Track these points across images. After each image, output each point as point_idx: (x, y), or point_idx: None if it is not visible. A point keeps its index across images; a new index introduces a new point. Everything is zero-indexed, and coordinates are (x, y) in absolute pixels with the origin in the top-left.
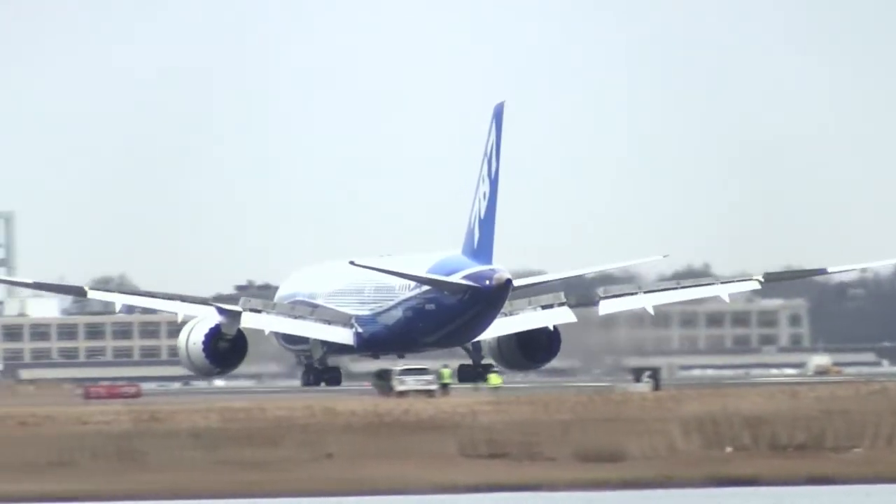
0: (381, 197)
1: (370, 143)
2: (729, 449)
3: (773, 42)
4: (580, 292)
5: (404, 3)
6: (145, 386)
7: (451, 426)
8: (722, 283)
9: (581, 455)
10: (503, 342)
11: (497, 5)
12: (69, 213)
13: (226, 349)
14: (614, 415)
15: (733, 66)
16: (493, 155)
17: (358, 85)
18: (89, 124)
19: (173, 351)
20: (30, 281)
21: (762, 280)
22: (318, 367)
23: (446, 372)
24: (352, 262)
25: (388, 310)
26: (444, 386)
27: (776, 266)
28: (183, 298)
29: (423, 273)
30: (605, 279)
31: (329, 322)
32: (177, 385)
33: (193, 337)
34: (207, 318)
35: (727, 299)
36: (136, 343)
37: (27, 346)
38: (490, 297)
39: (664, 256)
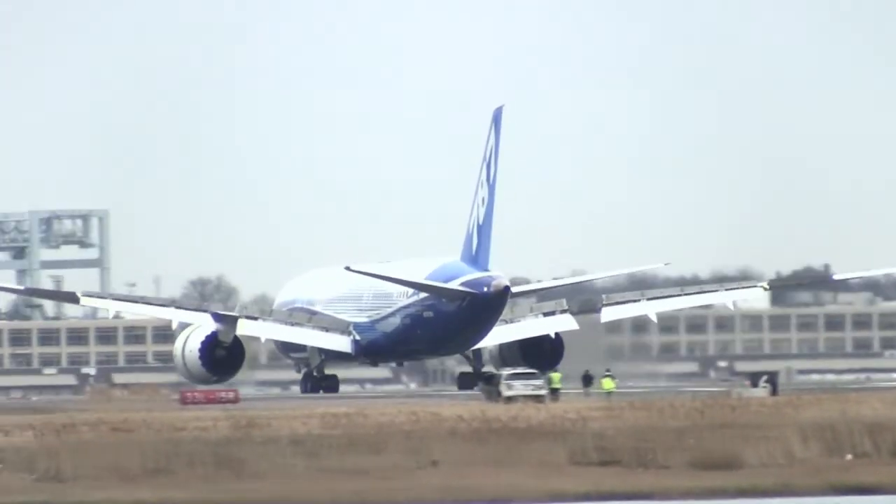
0: (380, 201)
1: (367, 144)
2: (849, 456)
3: (776, 42)
4: (583, 299)
5: (402, 6)
6: (244, 391)
7: (560, 433)
8: (727, 289)
9: (696, 462)
10: (505, 349)
11: (494, 9)
12: (164, 212)
13: (223, 357)
14: (730, 421)
15: (737, 67)
16: (492, 160)
17: (356, 87)
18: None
19: (272, 354)
20: (21, 287)
21: (767, 287)
22: (316, 374)
23: (556, 376)
24: (347, 268)
25: (387, 317)
26: (554, 391)
27: (785, 271)
28: (178, 305)
29: (421, 280)
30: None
31: (327, 329)
32: (276, 390)
33: (190, 344)
34: (204, 326)
35: (732, 306)
36: None
37: (121, 349)
38: (489, 304)
39: (665, 264)
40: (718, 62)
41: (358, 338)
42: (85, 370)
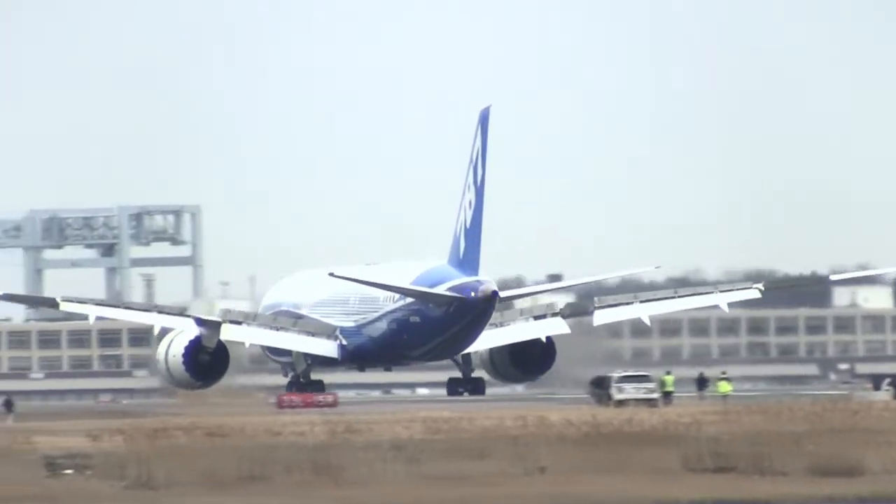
0: (368, 202)
1: (355, 147)
2: None
3: (778, 41)
4: (574, 302)
5: (389, 9)
6: (343, 394)
7: (673, 437)
8: (721, 291)
9: (815, 469)
10: (496, 354)
11: (481, 8)
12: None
13: (207, 362)
14: (851, 425)
15: (736, 66)
16: (479, 162)
17: (346, 86)
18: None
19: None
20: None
21: (762, 289)
22: (302, 380)
23: (669, 379)
24: (331, 274)
25: (373, 321)
26: (667, 394)
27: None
28: (160, 310)
29: (407, 284)
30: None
31: (312, 334)
32: (376, 393)
33: (173, 349)
34: (187, 331)
35: (726, 308)
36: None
37: None
38: (476, 309)
39: (656, 267)
40: (717, 61)
41: (345, 342)
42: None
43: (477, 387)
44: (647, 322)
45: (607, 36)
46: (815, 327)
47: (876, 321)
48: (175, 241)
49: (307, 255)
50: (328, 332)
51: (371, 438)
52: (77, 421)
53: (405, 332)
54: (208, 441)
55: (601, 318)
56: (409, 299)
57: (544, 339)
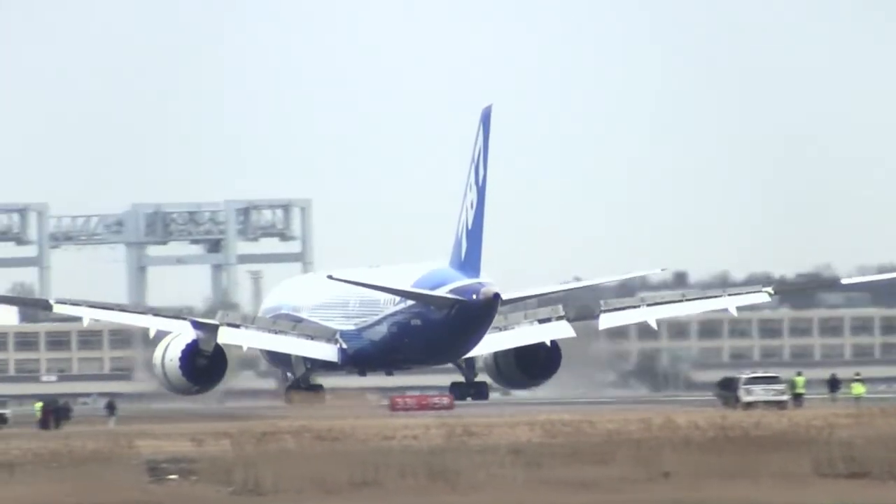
0: (370, 203)
1: (356, 147)
2: None
3: (783, 41)
4: (579, 305)
5: (389, 5)
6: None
7: (804, 441)
8: (730, 295)
9: None
10: (500, 358)
11: (482, 7)
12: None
13: (204, 366)
14: None
15: (741, 66)
16: (481, 162)
17: (347, 85)
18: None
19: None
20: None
21: (772, 292)
22: (302, 385)
23: (800, 380)
24: (330, 276)
25: (374, 325)
26: (797, 396)
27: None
28: (156, 312)
29: (408, 286)
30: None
31: (312, 337)
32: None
33: (170, 353)
34: (184, 334)
35: (735, 312)
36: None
37: None
38: (478, 312)
39: (662, 270)
40: (721, 60)
41: (345, 346)
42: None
43: (480, 391)
44: (654, 326)
45: (608, 35)
46: None
47: None
48: (284, 236)
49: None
50: (328, 335)
51: (488, 442)
52: (181, 424)
53: (406, 335)
54: (318, 445)
55: (607, 321)
56: (410, 302)
57: (549, 343)
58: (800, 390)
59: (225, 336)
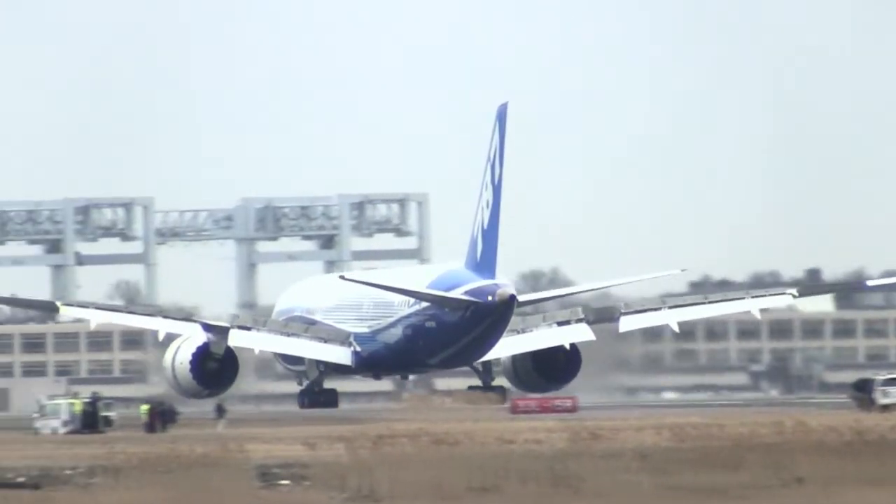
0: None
1: (368, 145)
2: None
3: (798, 38)
4: (599, 307)
5: (401, 2)
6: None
7: None
8: (753, 297)
9: None
10: (518, 361)
11: (497, 2)
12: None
13: (215, 369)
14: None
15: (757, 61)
16: (497, 160)
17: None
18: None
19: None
20: None
21: (796, 294)
22: (315, 389)
23: None
24: (342, 277)
25: (388, 327)
26: None
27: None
28: (165, 314)
29: (423, 288)
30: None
31: (325, 340)
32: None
33: (180, 356)
34: (194, 336)
35: (758, 315)
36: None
37: None
38: (493, 314)
39: (682, 270)
40: (736, 57)
41: (358, 349)
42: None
43: (502, 394)
44: (676, 329)
45: (626, 31)
46: None
47: None
48: (400, 231)
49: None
50: (341, 338)
51: (613, 446)
52: (293, 427)
53: (420, 338)
54: (435, 449)
55: (627, 324)
56: (425, 304)
57: (568, 347)
58: None
59: (236, 339)
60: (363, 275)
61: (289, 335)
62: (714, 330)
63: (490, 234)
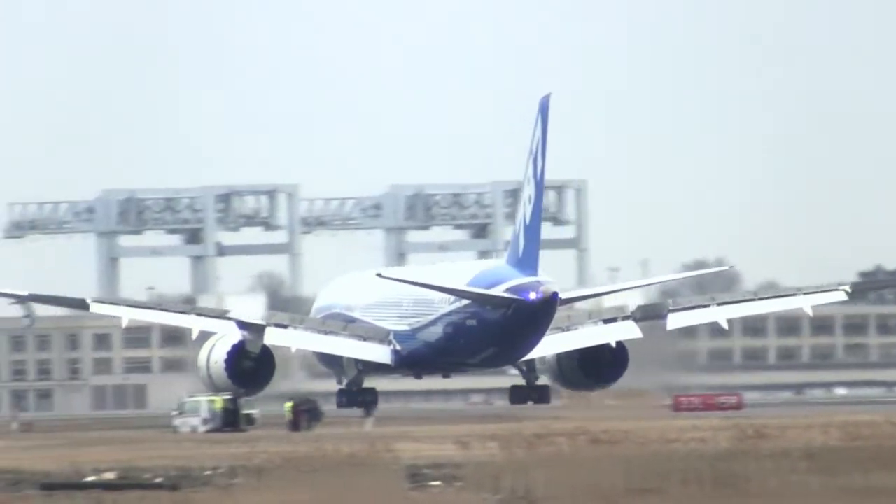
0: (648, 186)
1: (410, 138)
2: None
3: (846, 35)
4: (647, 304)
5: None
6: (748, 395)
7: None
8: (805, 294)
9: None
10: (563, 360)
11: None
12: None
13: (251, 368)
14: None
15: (805, 52)
16: (539, 153)
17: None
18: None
19: (784, 352)
20: (24, 293)
21: (849, 290)
22: (353, 388)
23: None
24: (379, 274)
25: (428, 325)
26: None
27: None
28: (199, 312)
29: (463, 285)
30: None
31: (364, 338)
32: (786, 394)
33: (215, 355)
34: (229, 335)
35: (810, 312)
36: (737, 343)
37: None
38: (536, 312)
39: (730, 267)
40: (783, 48)
41: (398, 347)
42: None
43: (542, 395)
44: (725, 326)
45: (665, 20)
46: None
47: None
48: (557, 220)
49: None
50: (381, 336)
51: (781, 445)
52: (444, 426)
53: (461, 336)
54: (593, 448)
55: (675, 321)
56: (466, 301)
57: (614, 345)
58: None
59: (272, 337)
60: (402, 272)
61: (326, 333)
62: (887, 324)
63: (532, 229)
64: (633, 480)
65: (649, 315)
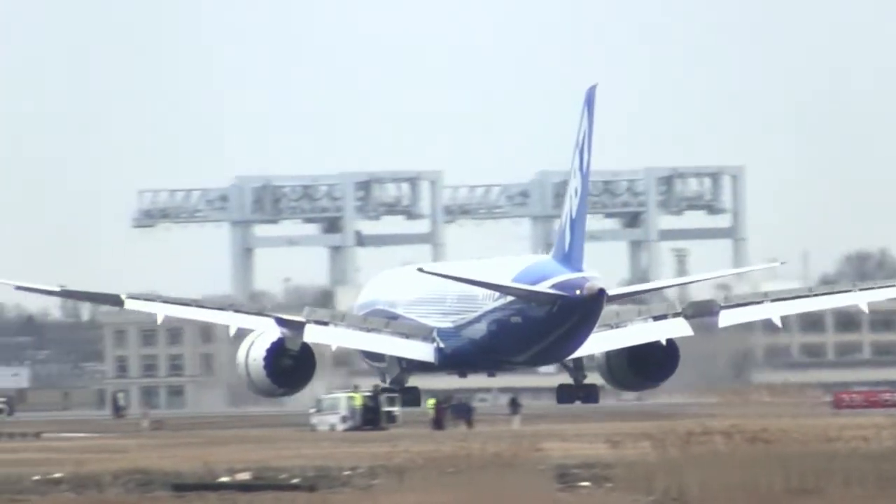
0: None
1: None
2: None
3: None
4: (698, 301)
5: None
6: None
7: None
8: (860, 290)
9: None
10: (613, 358)
11: None
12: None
13: (290, 366)
14: None
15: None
16: (585, 145)
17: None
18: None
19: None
20: (57, 289)
21: None
22: (395, 387)
23: None
24: (420, 269)
25: (472, 322)
26: None
27: None
28: (237, 309)
29: (508, 281)
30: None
31: (406, 336)
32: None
33: (254, 353)
34: (268, 332)
35: (866, 308)
36: None
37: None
38: (581, 309)
39: (781, 263)
40: (834, 39)
41: (442, 345)
42: None
43: (590, 394)
44: (779, 323)
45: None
46: None
47: None
48: (712, 209)
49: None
50: (424, 333)
51: None
52: (594, 424)
53: (505, 334)
54: (750, 447)
55: (727, 318)
56: (510, 298)
57: (665, 343)
58: None
59: (312, 334)
60: (443, 267)
61: (368, 330)
62: None
63: (578, 224)
64: (792, 480)
65: (700, 312)
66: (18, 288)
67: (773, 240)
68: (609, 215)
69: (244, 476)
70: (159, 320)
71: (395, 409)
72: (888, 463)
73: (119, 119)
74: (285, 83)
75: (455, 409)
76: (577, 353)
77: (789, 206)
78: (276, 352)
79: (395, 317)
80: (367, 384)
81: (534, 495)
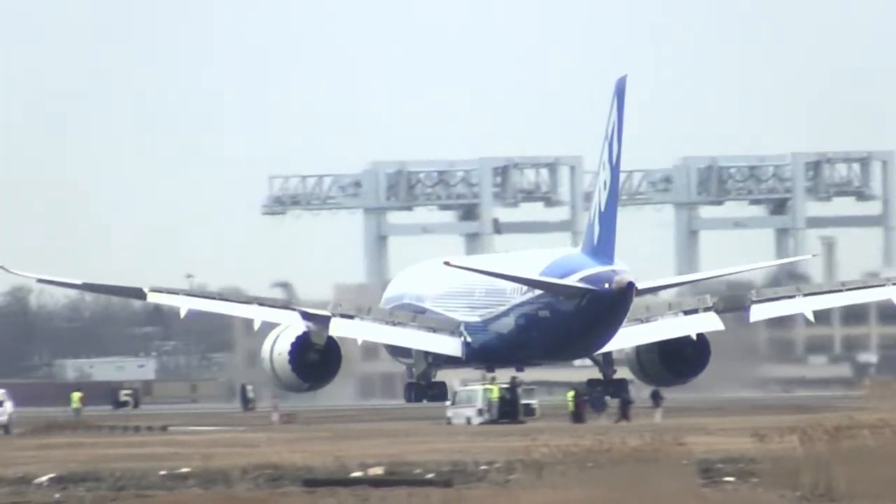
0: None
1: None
2: None
3: None
4: (729, 295)
5: None
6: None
7: None
8: (894, 283)
9: None
10: (643, 353)
11: None
12: None
13: (316, 361)
14: None
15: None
16: (615, 137)
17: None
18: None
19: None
20: (78, 282)
21: None
22: (422, 382)
23: None
24: (446, 263)
25: (500, 316)
26: None
27: None
28: (261, 302)
29: (535, 274)
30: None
31: (434, 330)
32: None
33: (279, 347)
34: (293, 326)
35: None
36: None
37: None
38: (611, 303)
39: (813, 256)
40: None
41: (469, 339)
42: (863, 357)
43: (620, 389)
44: (811, 318)
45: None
46: None
47: None
48: (862, 195)
49: None
50: (451, 327)
51: None
52: (740, 417)
53: (534, 328)
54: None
55: (758, 313)
56: (538, 291)
57: (695, 337)
58: None
59: (337, 328)
60: (469, 260)
61: (395, 324)
62: None
63: (608, 217)
64: None
65: (731, 306)
66: (40, 281)
67: None
68: (754, 202)
69: (377, 471)
70: (182, 314)
71: (534, 402)
72: None
73: (250, 103)
74: (421, 67)
75: (593, 403)
76: (607, 348)
77: None
78: (302, 346)
79: (422, 311)
80: (504, 377)
81: (676, 491)
